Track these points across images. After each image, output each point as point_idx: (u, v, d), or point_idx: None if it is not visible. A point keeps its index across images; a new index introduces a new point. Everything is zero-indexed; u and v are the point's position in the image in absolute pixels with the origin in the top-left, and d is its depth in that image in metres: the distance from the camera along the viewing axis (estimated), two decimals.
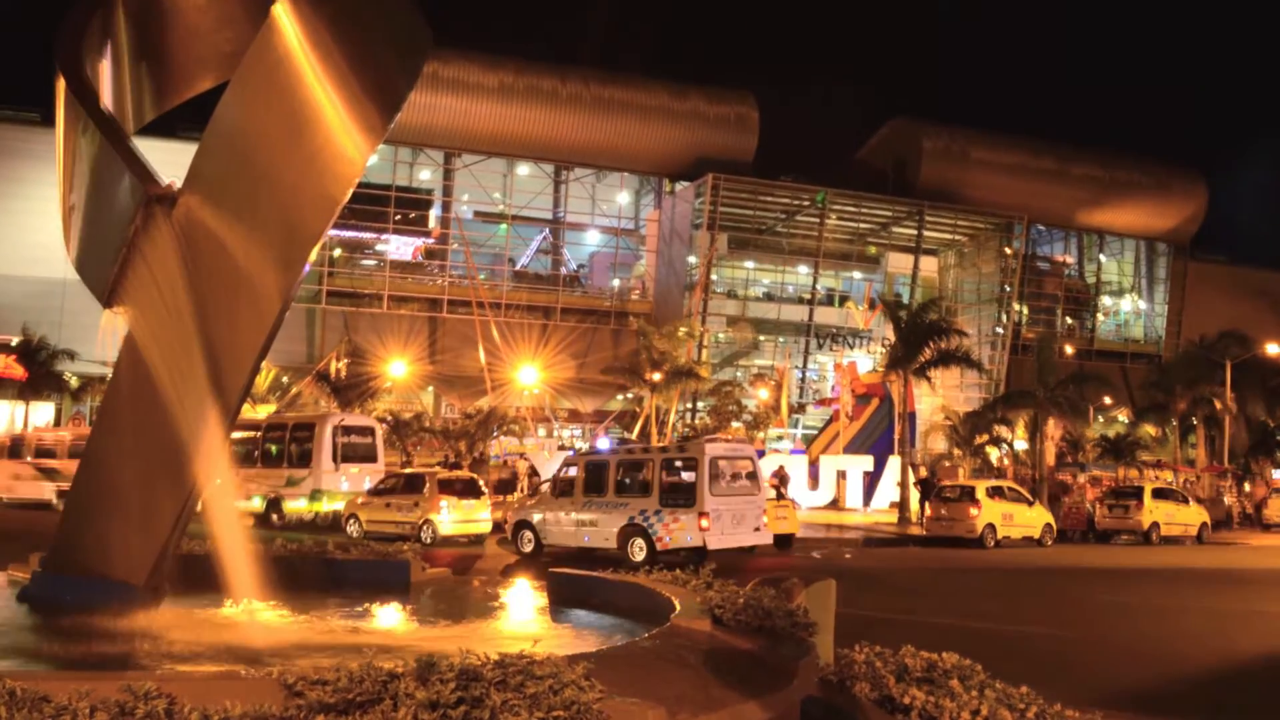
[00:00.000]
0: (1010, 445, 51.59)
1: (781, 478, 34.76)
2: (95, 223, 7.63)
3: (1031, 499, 31.68)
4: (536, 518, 23.26)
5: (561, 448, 50.20)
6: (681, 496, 21.19)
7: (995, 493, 30.03)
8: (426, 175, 66.13)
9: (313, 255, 7.70)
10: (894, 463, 40.88)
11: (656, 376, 42.14)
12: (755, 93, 67.38)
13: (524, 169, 66.82)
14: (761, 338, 67.63)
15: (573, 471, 23.41)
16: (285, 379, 50.24)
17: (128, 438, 7.44)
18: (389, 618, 8.61)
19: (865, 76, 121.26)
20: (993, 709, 5.13)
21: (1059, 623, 15.35)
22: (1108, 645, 13.39)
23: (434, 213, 64.91)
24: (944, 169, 68.73)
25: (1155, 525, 31.91)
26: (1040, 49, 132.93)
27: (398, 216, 62.65)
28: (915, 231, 68.14)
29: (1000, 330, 69.15)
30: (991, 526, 28.68)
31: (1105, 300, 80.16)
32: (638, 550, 20.83)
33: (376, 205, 59.98)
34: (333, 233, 47.58)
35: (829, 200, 65.07)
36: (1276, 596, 20.22)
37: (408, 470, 29.72)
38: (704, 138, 64.75)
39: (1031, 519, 30.11)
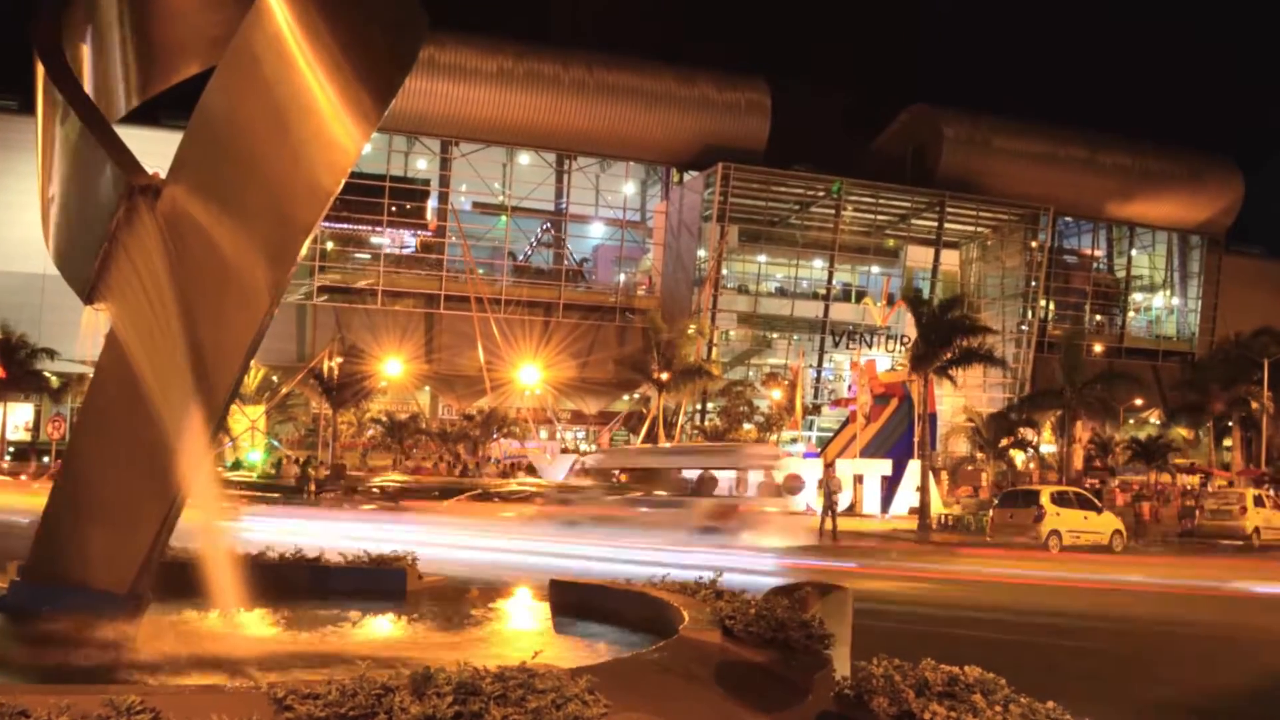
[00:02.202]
0: (1035, 448, 51.08)
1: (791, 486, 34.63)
2: (76, 215, 7.45)
3: (1099, 504, 31.72)
4: None
5: (565, 450, 49.83)
6: None
7: (1060, 498, 30.26)
8: (423, 165, 65.80)
9: (304, 249, 7.50)
10: (914, 466, 40.39)
11: (664, 376, 41.75)
12: (767, 77, 66.56)
13: (525, 158, 66.35)
14: (774, 335, 67.12)
15: None
16: (275, 378, 50.07)
17: (110, 440, 7.28)
18: (383, 627, 8.45)
19: (883, 60, 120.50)
20: None
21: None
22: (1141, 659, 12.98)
23: (430, 204, 64.55)
24: (966, 158, 67.68)
25: (1257, 530, 31.89)
26: (1068, 32, 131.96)
27: (393, 208, 62.30)
28: (936, 223, 67.54)
29: (1025, 327, 68.38)
30: (1056, 533, 28.63)
31: (1136, 296, 79.12)
32: None
33: (370, 196, 59.68)
34: (325, 225, 47.47)
35: (845, 191, 64.51)
36: None
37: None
38: (714, 125, 63.90)
39: (1100, 525, 30.12)
